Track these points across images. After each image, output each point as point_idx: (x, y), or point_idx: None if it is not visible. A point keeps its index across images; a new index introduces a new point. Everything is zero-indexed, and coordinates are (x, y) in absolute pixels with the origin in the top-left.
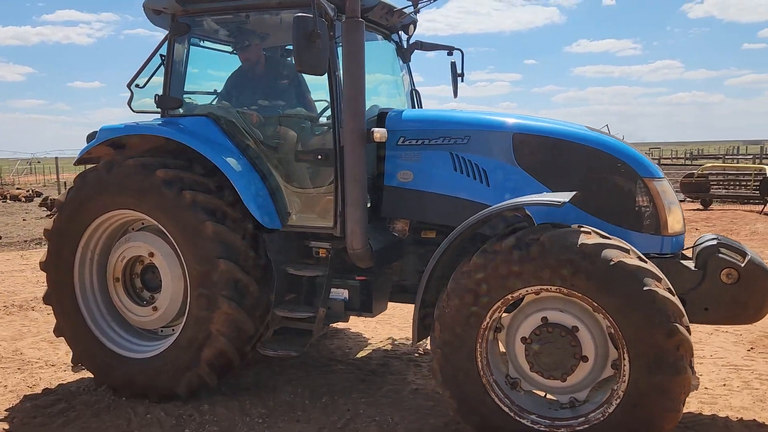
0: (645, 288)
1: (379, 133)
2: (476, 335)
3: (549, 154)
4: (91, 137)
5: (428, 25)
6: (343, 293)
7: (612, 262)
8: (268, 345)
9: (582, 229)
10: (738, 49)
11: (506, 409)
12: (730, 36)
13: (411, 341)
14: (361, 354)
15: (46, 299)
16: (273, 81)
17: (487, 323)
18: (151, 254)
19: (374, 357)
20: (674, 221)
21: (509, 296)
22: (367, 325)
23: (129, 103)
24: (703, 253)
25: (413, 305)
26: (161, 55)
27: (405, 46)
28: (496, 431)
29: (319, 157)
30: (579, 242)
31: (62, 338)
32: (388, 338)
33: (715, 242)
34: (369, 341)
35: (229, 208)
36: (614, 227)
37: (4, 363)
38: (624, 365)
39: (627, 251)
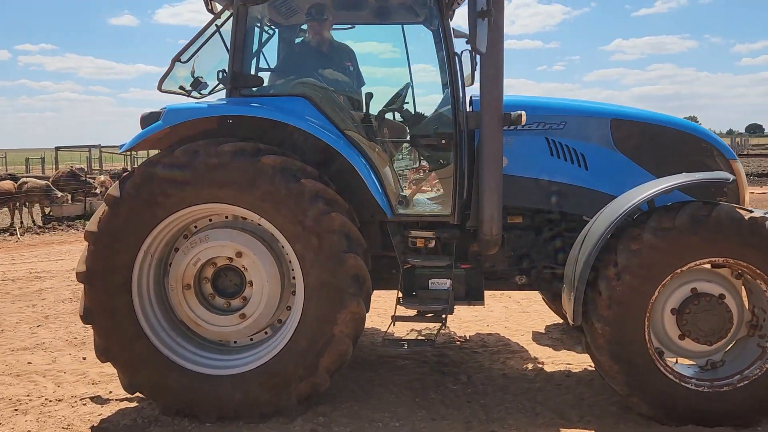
0: None
1: (524, 116)
2: (646, 309)
3: (646, 138)
4: (149, 119)
5: None
6: (446, 283)
7: None
8: (398, 343)
9: (734, 205)
10: None
11: (671, 377)
12: None
13: (573, 321)
14: None
15: (87, 317)
16: (337, 60)
17: (655, 297)
18: (239, 254)
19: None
20: (748, 197)
21: (678, 270)
22: (371, 320)
23: (162, 80)
24: None
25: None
26: (216, 25)
27: None
28: (666, 399)
29: (443, 141)
30: (747, 216)
31: (36, 369)
32: (412, 330)
33: None
34: (396, 335)
35: (341, 197)
36: None
37: None
38: None
39: None
